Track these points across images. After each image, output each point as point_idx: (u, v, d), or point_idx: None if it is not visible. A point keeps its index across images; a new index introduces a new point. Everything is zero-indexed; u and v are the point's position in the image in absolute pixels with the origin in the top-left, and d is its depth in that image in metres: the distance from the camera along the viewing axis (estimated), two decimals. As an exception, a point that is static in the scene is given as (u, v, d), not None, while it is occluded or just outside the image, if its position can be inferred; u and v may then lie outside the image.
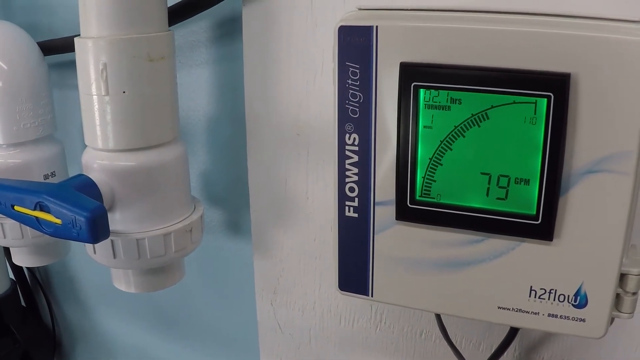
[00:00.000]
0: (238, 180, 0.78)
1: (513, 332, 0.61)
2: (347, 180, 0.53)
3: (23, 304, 1.10)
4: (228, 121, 0.78)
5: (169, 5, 0.64)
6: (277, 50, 0.69)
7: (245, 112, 0.73)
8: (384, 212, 0.53)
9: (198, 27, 0.77)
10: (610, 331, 0.51)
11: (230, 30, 0.75)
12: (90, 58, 0.59)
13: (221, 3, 0.69)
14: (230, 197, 0.83)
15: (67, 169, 0.76)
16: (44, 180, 0.73)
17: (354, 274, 0.56)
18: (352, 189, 0.54)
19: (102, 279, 0.68)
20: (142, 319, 1.02)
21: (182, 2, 0.69)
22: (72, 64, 0.62)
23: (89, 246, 0.64)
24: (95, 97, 0.60)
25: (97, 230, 0.55)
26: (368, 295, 0.56)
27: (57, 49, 0.77)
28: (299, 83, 0.68)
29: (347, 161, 0.53)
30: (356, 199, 0.54)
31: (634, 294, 0.50)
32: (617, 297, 0.50)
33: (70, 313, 1.12)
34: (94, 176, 0.62)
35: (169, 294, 0.73)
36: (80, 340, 1.14)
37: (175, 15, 0.69)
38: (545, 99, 0.46)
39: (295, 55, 0.68)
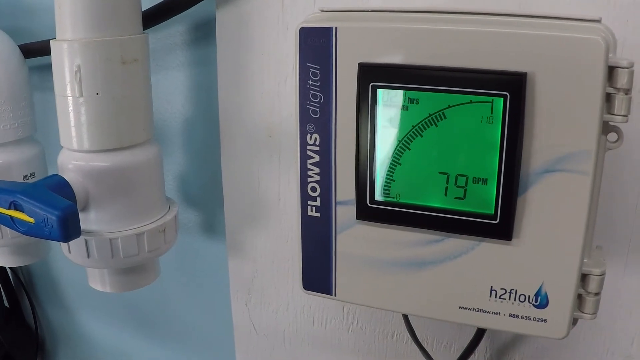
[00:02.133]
0: (213, 182, 0.79)
1: (480, 333, 0.61)
2: (309, 180, 0.54)
3: (6, 304, 1.10)
4: (203, 123, 0.79)
5: (144, 9, 0.65)
6: (249, 53, 0.69)
7: (219, 114, 0.73)
8: (345, 212, 0.53)
9: (174, 30, 0.77)
10: (582, 333, 0.51)
11: (205, 34, 0.75)
12: (65, 60, 0.59)
13: (195, 7, 0.69)
14: (205, 198, 0.83)
15: (47, 170, 0.76)
16: (23, 181, 0.73)
17: (318, 273, 0.56)
18: (314, 189, 0.54)
19: (84, 281, 0.68)
20: (122, 320, 1.02)
21: (157, 6, 0.70)
22: (51, 66, 0.62)
23: (64, 245, 0.65)
24: (70, 98, 0.60)
25: (68, 228, 0.55)
26: (332, 295, 0.56)
27: (37, 51, 0.77)
28: (271, 86, 0.69)
29: (309, 161, 0.53)
30: (318, 199, 0.54)
31: (597, 294, 0.50)
32: (580, 297, 0.51)
33: (53, 314, 1.12)
34: (69, 176, 0.62)
35: (146, 294, 0.73)
36: (63, 342, 1.14)
37: (151, 19, 0.69)
38: (502, 99, 0.46)
39: (267, 58, 0.68)
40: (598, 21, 0.46)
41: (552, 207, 0.48)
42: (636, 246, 0.60)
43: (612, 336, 0.64)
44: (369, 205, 0.52)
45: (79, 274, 0.66)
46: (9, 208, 0.57)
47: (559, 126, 0.46)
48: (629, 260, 0.61)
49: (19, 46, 0.74)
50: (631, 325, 0.63)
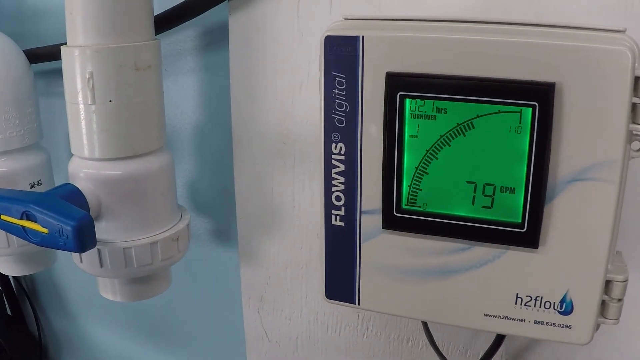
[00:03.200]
0: (225, 189, 0.78)
1: (499, 339, 0.61)
2: (334, 189, 0.54)
3: (9, 312, 1.10)
4: (215, 129, 0.78)
5: (155, 14, 0.64)
6: (263, 59, 0.69)
7: (231, 121, 0.73)
8: (370, 221, 0.53)
9: (185, 35, 0.77)
10: (596, 337, 0.51)
11: (216, 39, 0.75)
12: (76, 67, 0.59)
13: (208, 12, 0.69)
14: (217, 205, 0.83)
15: (53, 178, 0.76)
16: (29, 189, 0.73)
17: (341, 282, 0.56)
18: (338, 198, 0.54)
19: (88, 288, 0.68)
20: (128, 327, 1.02)
21: (169, 11, 0.69)
22: (58, 72, 0.61)
23: (75, 255, 0.64)
24: (81, 106, 0.59)
25: (84, 239, 0.55)
26: (355, 304, 0.56)
27: (44, 57, 0.76)
28: (285, 92, 0.68)
29: (334, 170, 0.53)
30: (343, 208, 0.54)
31: (620, 300, 0.51)
32: (603, 303, 0.51)
33: (56, 321, 1.12)
34: (81, 185, 0.61)
35: (155, 302, 0.73)
36: (66, 349, 1.14)
37: (162, 24, 0.69)
38: (530, 109, 0.46)
39: (282, 64, 0.68)
40: (623, 32, 0.46)
41: (578, 215, 0.48)
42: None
43: (629, 338, 0.64)
44: (396, 214, 0.52)
45: (83, 280, 0.65)
46: (21, 218, 0.56)
47: (586, 136, 0.46)
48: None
49: (24, 51, 0.74)
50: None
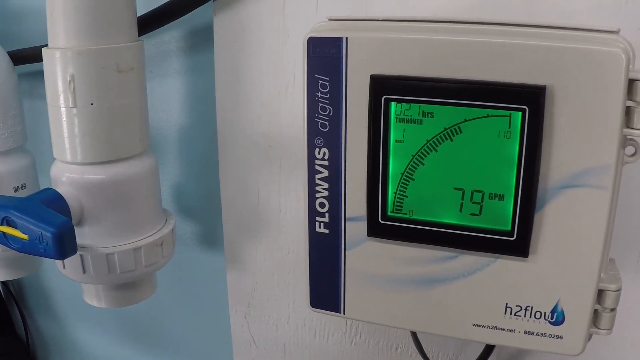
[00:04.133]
0: (211, 192, 0.77)
1: (489, 349, 0.60)
2: (317, 195, 0.52)
3: (-5, 316, 1.09)
4: (200, 132, 0.77)
5: (139, 15, 0.63)
6: (248, 60, 0.67)
7: (216, 123, 0.71)
8: (355, 228, 0.52)
9: (170, 36, 0.75)
10: (591, 343, 0.50)
11: (201, 40, 0.73)
12: (57, 69, 0.57)
13: (192, 12, 0.68)
14: (202, 209, 0.82)
15: (38, 181, 0.75)
16: (14, 193, 0.71)
17: (326, 291, 0.55)
18: (322, 205, 0.52)
19: (75, 292, 0.67)
20: (116, 332, 1.01)
21: (153, 12, 0.68)
22: (43, 74, 0.60)
23: (58, 261, 0.63)
24: (63, 109, 0.58)
25: (64, 246, 0.54)
26: (340, 313, 0.55)
27: (27, 58, 0.75)
28: (271, 94, 0.67)
29: (317, 176, 0.52)
30: (327, 215, 0.53)
31: (612, 310, 0.49)
32: (595, 313, 0.49)
33: (44, 326, 1.11)
34: (63, 190, 0.60)
35: (143, 307, 0.72)
36: (55, 354, 1.13)
37: (146, 25, 0.68)
38: (520, 112, 0.45)
39: (267, 66, 0.67)
40: (616, 32, 0.45)
41: (569, 223, 0.46)
42: (646, 257, 0.59)
43: (621, 346, 0.63)
44: (381, 221, 0.51)
45: (71, 284, 0.64)
46: (2, 224, 0.55)
47: (578, 140, 0.44)
48: (638, 269, 0.60)
49: (7, 52, 0.72)
50: (640, 336, 0.62)
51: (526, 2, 0.55)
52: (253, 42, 0.67)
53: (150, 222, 0.65)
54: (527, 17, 0.56)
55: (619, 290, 0.49)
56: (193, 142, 0.79)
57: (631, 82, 0.43)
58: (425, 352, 0.66)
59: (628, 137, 0.45)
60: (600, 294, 0.49)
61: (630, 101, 0.44)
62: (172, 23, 0.70)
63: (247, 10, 0.66)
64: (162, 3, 0.67)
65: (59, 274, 0.64)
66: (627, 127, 0.44)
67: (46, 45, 0.59)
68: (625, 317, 0.60)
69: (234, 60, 0.68)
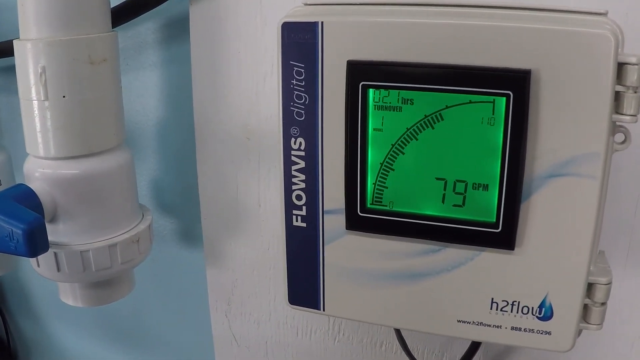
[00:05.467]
0: (189, 187, 0.76)
1: (475, 345, 0.59)
2: (294, 187, 0.51)
3: (-25, 317, 1.08)
4: (178, 125, 0.76)
5: (113, 5, 0.62)
6: (226, 50, 0.66)
7: (193, 116, 0.70)
8: (333, 221, 0.50)
9: (145, 27, 0.74)
10: (581, 338, 0.50)
11: (178, 31, 0.72)
12: (29, 61, 0.56)
13: (168, 2, 0.67)
14: (181, 204, 0.81)
15: (14, 177, 0.74)
16: (-14, 191, 0.70)
17: (304, 287, 0.53)
18: (299, 197, 0.51)
19: (55, 292, 0.66)
20: (96, 332, 1.00)
21: (127, 2, 0.67)
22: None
23: (32, 259, 0.62)
24: (35, 102, 0.57)
25: (35, 243, 0.53)
26: (319, 309, 0.54)
27: (2, 52, 0.74)
28: (249, 85, 0.66)
29: (294, 167, 0.50)
30: (304, 208, 0.51)
31: (603, 304, 0.48)
32: (585, 307, 0.48)
33: (25, 326, 1.10)
34: (36, 185, 0.59)
35: (122, 305, 0.71)
36: (36, 354, 1.12)
37: (120, 16, 0.66)
38: (504, 98, 0.43)
39: (245, 56, 0.65)
40: (604, 14, 0.43)
41: (557, 213, 0.45)
42: (636, 248, 0.59)
43: (611, 340, 0.62)
44: (360, 214, 0.49)
45: (51, 284, 0.63)
46: (-28, 221, 0.53)
47: (565, 127, 0.43)
48: (628, 263, 0.59)
49: (-19, 47, 0.71)
50: (631, 329, 0.61)
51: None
52: (230, 32, 0.65)
53: (126, 218, 0.64)
54: None
55: (609, 283, 0.47)
56: (171, 136, 0.77)
57: (620, 66, 0.42)
58: (411, 349, 0.65)
59: (617, 123, 0.44)
60: (590, 287, 0.47)
61: (619, 86, 0.42)
62: (148, 14, 0.68)
63: (224, 0, 0.64)
64: (137, -8, 0.66)
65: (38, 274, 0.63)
66: (617, 112, 0.43)
67: (16, 38, 0.58)
68: (616, 312, 0.59)
69: (211, 50, 0.67)
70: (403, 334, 0.62)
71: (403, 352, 0.64)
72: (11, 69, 0.76)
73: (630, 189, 0.57)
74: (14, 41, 0.57)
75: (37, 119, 0.57)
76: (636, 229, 0.58)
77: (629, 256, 0.59)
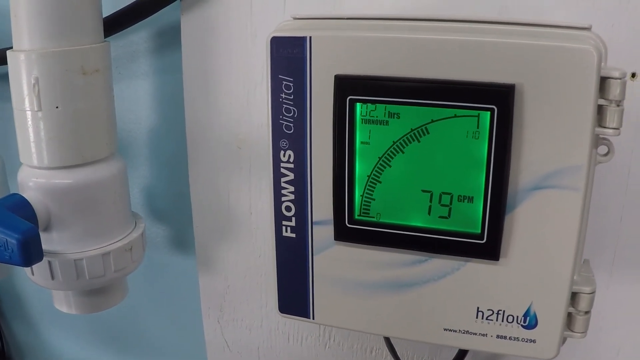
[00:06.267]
0: (181, 195, 0.76)
1: (462, 353, 0.59)
2: (284, 199, 0.51)
3: (-32, 322, 1.08)
4: (170, 134, 0.76)
5: (105, 15, 0.62)
6: (217, 60, 0.67)
7: (185, 125, 0.71)
8: (322, 232, 0.51)
9: (137, 37, 0.74)
10: (567, 345, 0.50)
11: (170, 41, 0.72)
12: (22, 72, 0.56)
13: (160, 13, 0.67)
14: (173, 212, 0.81)
15: (8, 186, 0.73)
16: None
17: (294, 296, 0.54)
18: (288, 208, 0.51)
19: (49, 297, 0.66)
20: (91, 337, 1.00)
21: (119, 12, 0.67)
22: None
23: (27, 268, 0.62)
24: (28, 112, 0.57)
25: (30, 253, 0.53)
26: (309, 318, 0.54)
27: (-4, 61, 0.74)
28: (240, 94, 0.66)
29: (283, 179, 0.51)
30: (293, 219, 0.52)
31: (587, 312, 0.49)
32: (569, 316, 0.49)
33: (20, 331, 1.10)
34: (30, 195, 0.59)
35: (115, 312, 0.71)
36: (30, 359, 1.12)
37: (112, 26, 0.67)
38: (489, 112, 0.44)
39: (235, 66, 0.66)
40: (588, 29, 0.44)
41: (541, 225, 0.46)
42: (621, 257, 0.59)
43: (597, 348, 0.63)
44: (348, 225, 0.50)
45: (44, 290, 0.63)
46: (-34, 230, 0.54)
47: (549, 141, 0.44)
48: (613, 271, 0.60)
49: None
50: (616, 337, 0.62)
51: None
52: (221, 42, 0.66)
53: (119, 226, 0.64)
54: (497, 14, 0.55)
55: (593, 292, 0.48)
56: (163, 144, 0.78)
57: (603, 80, 0.42)
58: (401, 355, 0.65)
59: (601, 136, 0.45)
60: (574, 296, 0.48)
61: (602, 99, 0.43)
62: (140, 23, 0.69)
63: (215, 10, 0.65)
64: (129, 3, 0.67)
65: (32, 280, 0.63)
66: (600, 126, 0.44)
67: (9, 48, 0.58)
68: (602, 319, 0.60)
69: (202, 60, 0.67)
70: (392, 341, 0.63)
71: (392, 359, 0.65)
72: (4, 77, 0.77)
73: (615, 200, 0.57)
74: (7, 52, 0.58)
75: (30, 129, 0.58)
76: (621, 238, 0.58)
77: (614, 265, 0.59)
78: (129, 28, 0.69)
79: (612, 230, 0.58)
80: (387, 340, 0.62)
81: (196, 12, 0.66)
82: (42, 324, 1.05)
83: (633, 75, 0.53)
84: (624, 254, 0.59)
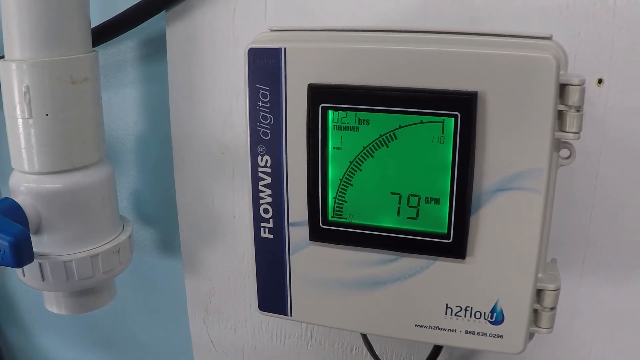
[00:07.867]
0: (168, 199, 0.78)
1: (437, 349, 0.61)
2: (261, 201, 0.53)
3: (-39, 327, 1.08)
4: (157, 140, 0.78)
5: (93, 25, 0.64)
6: (201, 69, 0.68)
7: (170, 132, 0.72)
8: (298, 233, 0.53)
9: (125, 46, 0.76)
10: (540, 344, 0.51)
11: (156, 50, 0.74)
12: (13, 81, 0.58)
13: (146, 23, 0.69)
14: (160, 216, 0.82)
15: (0, 191, 0.75)
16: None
17: (273, 294, 0.56)
18: (266, 210, 0.53)
19: (40, 300, 0.67)
20: (80, 339, 1.01)
21: (107, 22, 0.68)
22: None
23: (18, 269, 0.64)
24: (19, 120, 0.59)
25: (22, 254, 0.55)
26: (287, 315, 0.56)
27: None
28: (223, 102, 0.68)
29: (261, 183, 0.53)
30: (271, 220, 0.53)
31: (552, 309, 0.50)
32: (535, 312, 0.51)
33: (12, 335, 1.10)
34: (21, 199, 0.61)
35: (104, 314, 0.72)
36: (22, 362, 1.13)
37: (101, 35, 0.68)
38: (453, 119, 0.45)
39: (219, 74, 0.67)
40: (549, 38, 0.46)
41: (505, 225, 0.47)
42: (591, 257, 0.61)
43: (570, 346, 0.64)
44: (322, 226, 0.51)
45: (36, 292, 0.65)
46: (-41, 234, 0.55)
47: (511, 145, 0.45)
48: (584, 271, 0.61)
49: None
50: (588, 335, 0.63)
51: (469, 10, 0.57)
52: (205, 51, 0.67)
53: (107, 229, 0.66)
54: (469, 24, 0.57)
55: (557, 289, 0.50)
56: (150, 150, 0.79)
57: (562, 87, 0.44)
58: (380, 354, 0.67)
59: (563, 140, 0.47)
60: (539, 293, 0.50)
61: (562, 105, 0.45)
62: (127, 33, 0.70)
63: (199, 20, 0.67)
64: (116, 14, 0.68)
65: (24, 283, 0.64)
66: (560, 130, 0.46)
67: (2, 56, 0.60)
68: (574, 318, 0.61)
69: (187, 69, 0.69)
70: (371, 338, 0.64)
71: (372, 357, 0.66)
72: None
73: (584, 201, 0.59)
74: (-1, 61, 0.59)
75: (21, 136, 0.60)
76: (591, 239, 0.60)
77: (585, 264, 0.61)
78: (116, 38, 0.71)
79: (581, 230, 0.60)
80: (364, 336, 0.64)
81: (181, 23, 0.68)
82: (33, 326, 1.06)
83: (599, 81, 0.55)
84: (594, 253, 0.61)
